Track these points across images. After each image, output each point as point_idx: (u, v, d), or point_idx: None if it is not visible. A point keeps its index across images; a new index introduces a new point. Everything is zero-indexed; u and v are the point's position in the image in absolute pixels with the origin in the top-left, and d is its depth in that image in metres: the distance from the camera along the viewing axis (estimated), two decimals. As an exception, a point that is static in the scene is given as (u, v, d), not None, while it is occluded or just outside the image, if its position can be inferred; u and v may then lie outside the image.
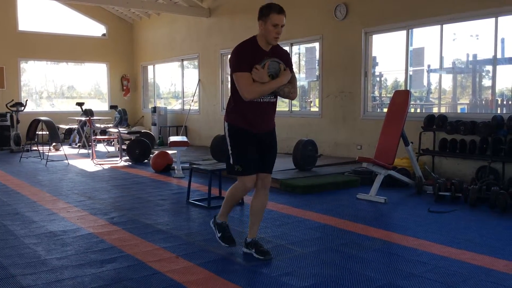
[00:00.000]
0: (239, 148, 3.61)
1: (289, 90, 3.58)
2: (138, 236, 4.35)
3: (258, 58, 3.50)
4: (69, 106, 15.23)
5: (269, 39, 3.50)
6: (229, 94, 3.71)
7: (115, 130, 10.74)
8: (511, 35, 6.67)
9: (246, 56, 3.49)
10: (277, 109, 3.79)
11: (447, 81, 8.48)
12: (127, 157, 9.70)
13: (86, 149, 11.52)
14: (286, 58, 3.67)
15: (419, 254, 3.84)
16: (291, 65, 3.72)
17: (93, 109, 12.95)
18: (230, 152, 3.64)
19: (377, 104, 9.30)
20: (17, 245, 4.07)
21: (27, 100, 12.97)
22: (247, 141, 3.60)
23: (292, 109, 10.47)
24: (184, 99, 14.05)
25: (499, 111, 7.25)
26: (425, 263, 3.62)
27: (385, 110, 7.40)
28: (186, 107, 13.75)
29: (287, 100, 10.48)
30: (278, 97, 3.67)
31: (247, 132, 3.60)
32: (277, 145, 3.86)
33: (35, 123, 10.21)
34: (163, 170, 8.34)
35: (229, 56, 3.58)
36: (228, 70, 12.11)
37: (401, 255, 3.81)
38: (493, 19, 6.87)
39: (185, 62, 13.93)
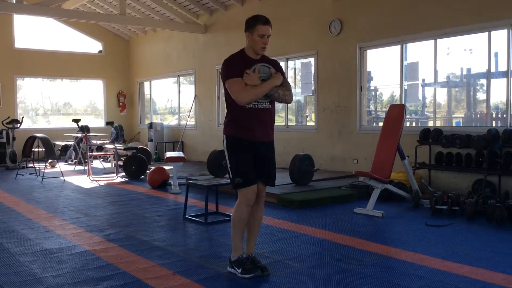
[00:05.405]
0: (236, 157, 3.59)
1: (284, 92, 3.61)
2: (134, 253, 4.32)
3: (248, 65, 3.56)
4: (65, 122, 15.22)
5: (257, 49, 3.57)
6: (225, 108, 3.73)
7: (111, 146, 10.73)
8: (505, 49, 6.74)
9: (236, 64, 3.56)
10: (274, 123, 3.80)
11: (442, 95, 8.54)
12: (123, 173, 9.68)
13: (82, 165, 11.49)
14: (275, 65, 3.71)
15: (417, 268, 3.82)
16: (282, 70, 3.75)
17: (89, 126, 12.95)
18: (229, 165, 3.63)
19: (372, 118, 9.34)
20: (13, 263, 4.04)
21: (23, 117, 12.96)
22: (243, 150, 3.59)
23: (289, 124, 10.51)
24: (181, 114, 14.08)
25: (494, 125, 7.29)
26: (423, 277, 3.61)
27: (381, 124, 7.43)
28: (183, 122, 13.76)
29: (283, 114, 10.53)
30: (275, 106, 3.67)
31: (244, 142, 3.59)
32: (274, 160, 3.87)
33: (31, 140, 10.19)
34: (160, 186, 8.32)
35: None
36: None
37: (399, 270, 3.80)
38: (486, 34, 6.95)
39: (181, 78, 13.98)
